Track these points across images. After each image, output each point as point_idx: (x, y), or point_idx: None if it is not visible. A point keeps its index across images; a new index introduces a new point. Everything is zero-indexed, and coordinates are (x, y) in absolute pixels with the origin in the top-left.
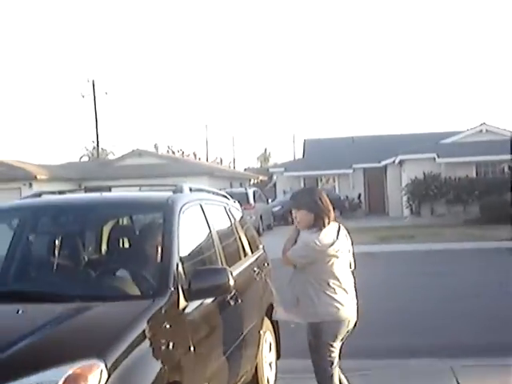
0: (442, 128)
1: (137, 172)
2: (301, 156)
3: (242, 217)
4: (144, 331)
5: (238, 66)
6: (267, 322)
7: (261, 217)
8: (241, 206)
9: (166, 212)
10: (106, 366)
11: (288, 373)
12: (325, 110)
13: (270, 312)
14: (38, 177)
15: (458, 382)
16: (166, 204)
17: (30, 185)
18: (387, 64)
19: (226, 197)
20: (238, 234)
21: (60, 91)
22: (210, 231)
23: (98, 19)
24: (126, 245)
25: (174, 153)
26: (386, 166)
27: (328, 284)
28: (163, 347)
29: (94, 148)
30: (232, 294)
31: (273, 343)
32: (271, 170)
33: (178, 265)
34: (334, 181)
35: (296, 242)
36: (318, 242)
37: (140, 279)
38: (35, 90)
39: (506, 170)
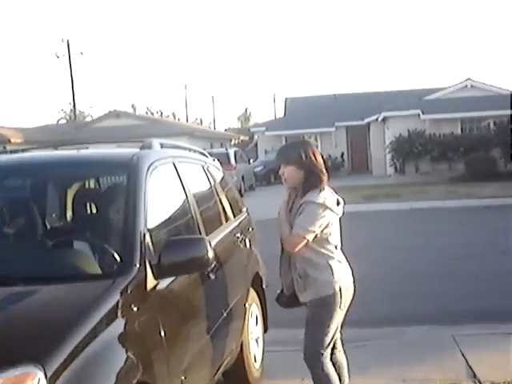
0: (427, 85)
1: (114, 133)
2: (282, 115)
3: (223, 177)
4: (100, 322)
5: (217, 23)
6: (253, 293)
7: (243, 177)
8: (222, 166)
9: (130, 172)
10: (45, 375)
11: (276, 345)
12: (306, 68)
13: (255, 282)
14: (13, 140)
15: (462, 352)
16: (129, 162)
17: (4, 148)
18: (371, 19)
19: (204, 154)
20: (218, 196)
21: (34, 51)
22: (186, 194)
23: None
24: (85, 213)
25: (152, 114)
26: (369, 124)
27: (332, 252)
28: (126, 341)
29: (71, 110)
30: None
31: (259, 316)
32: (252, 129)
33: (144, 235)
34: (317, 140)
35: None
36: (327, 202)
37: (101, 253)
38: (8, 50)
39: (492, 126)
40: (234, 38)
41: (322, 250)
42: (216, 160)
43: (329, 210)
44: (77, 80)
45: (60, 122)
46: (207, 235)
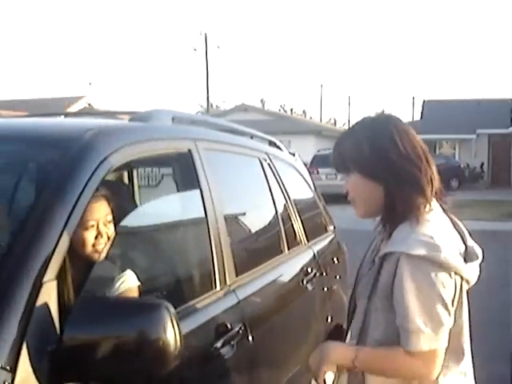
0: None
1: None
2: (419, 118)
3: (303, 180)
4: None
5: (357, 24)
6: None
7: None
8: None
9: (61, 158)
10: None
11: None
12: (447, 71)
13: (334, 337)
14: None
15: None
16: (66, 142)
17: None
18: None
19: (276, 146)
20: (280, 207)
21: (173, 44)
22: (204, 207)
23: None
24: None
25: (286, 111)
26: None
27: (455, 360)
28: None
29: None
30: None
31: None
32: None
33: (40, 287)
34: (454, 148)
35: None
36: (441, 252)
37: None
38: (149, 44)
39: None
40: (375, 39)
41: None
42: (287, 149)
43: (446, 270)
44: (212, 74)
45: None
46: (237, 275)
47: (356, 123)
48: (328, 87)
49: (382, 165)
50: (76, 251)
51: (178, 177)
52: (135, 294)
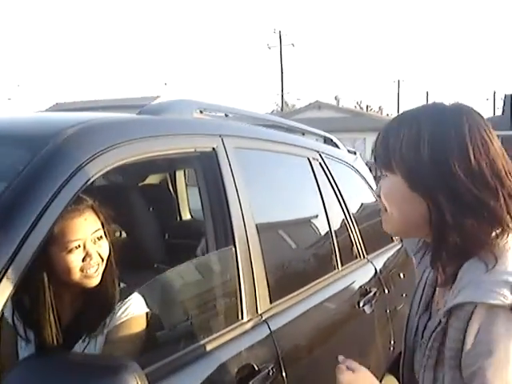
0: None
1: (314, 126)
2: (500, 113)
3: (361, 177)
4: None
5: (434, 17)
6: None
7: None
8: None
9: (33, 158)
10: None
11: None
12: None
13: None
14: None
15: None
16: (42, 140)
17: None
18: None
19: (330, 141)
20: (332, 216)
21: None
22: (229, 215)
23: None
24: None
25: (362, 108)
26: None
27: None
28: None
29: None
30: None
31: None
32: None
33: None
34: None
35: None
36: None
37: None
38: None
39: None
40: (454, 32)
41: None
42: (357, 155)
43: None
44: (286, 72)
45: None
46: (272, 302)
47: (420, 108)
48: (405, 83)
49: (440, 178)
50: (61, 280)
51: (201, 181)
52: (141, 324)
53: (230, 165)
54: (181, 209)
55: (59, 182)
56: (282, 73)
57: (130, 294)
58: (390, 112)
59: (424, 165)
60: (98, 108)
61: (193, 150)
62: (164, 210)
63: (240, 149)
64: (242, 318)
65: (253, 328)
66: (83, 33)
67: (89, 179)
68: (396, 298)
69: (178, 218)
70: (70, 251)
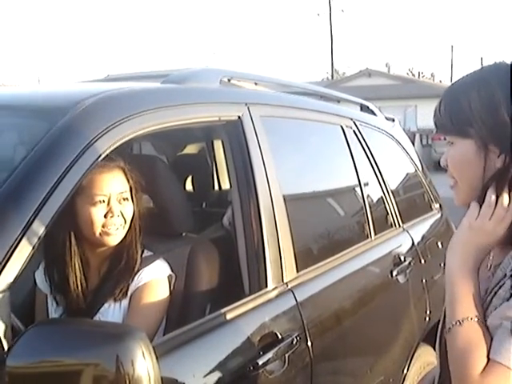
0: None
1: (365, 93)
2: None
3: (400, 145)
4: None
5: None
6: (426, 357)
7: None
8: None
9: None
10: None
11: None
12: None
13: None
14: None
15: None
16: (54, 110)
17: None
18: None
19: (367, 108)
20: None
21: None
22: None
23: None
24: None
25: (414, 75)
26: None
27: None
28: None
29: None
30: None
31: None
32: None
33: None
34: None
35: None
36: None
37: None
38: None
39: None
40: None
41: None
42: (396, 122)
43: None
44: (336, 39)
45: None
46: (298, 270)
47: (484, 70)
48: (459, 48)
49: None
50: (83, 232)
51: (228, 150)
52: (164, 287)
53: (256, 133)
54: (220, 178)
55: (82, 146)
56: (331, 40)
57: (155, 260)
58: (443, 79)
59: (505, 125)
60: (126, 78)
61: (217, 118)
62: (201, 180)
63: (267, 117)
64: (267, 286)
65: (277, 296)
66: (136, 3)
67: (111, 145)
68: (433, 268)
69: (218, 187)
70: (94, 204)
